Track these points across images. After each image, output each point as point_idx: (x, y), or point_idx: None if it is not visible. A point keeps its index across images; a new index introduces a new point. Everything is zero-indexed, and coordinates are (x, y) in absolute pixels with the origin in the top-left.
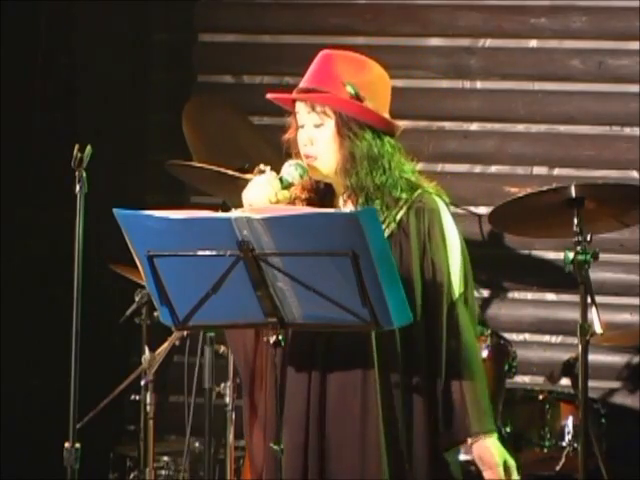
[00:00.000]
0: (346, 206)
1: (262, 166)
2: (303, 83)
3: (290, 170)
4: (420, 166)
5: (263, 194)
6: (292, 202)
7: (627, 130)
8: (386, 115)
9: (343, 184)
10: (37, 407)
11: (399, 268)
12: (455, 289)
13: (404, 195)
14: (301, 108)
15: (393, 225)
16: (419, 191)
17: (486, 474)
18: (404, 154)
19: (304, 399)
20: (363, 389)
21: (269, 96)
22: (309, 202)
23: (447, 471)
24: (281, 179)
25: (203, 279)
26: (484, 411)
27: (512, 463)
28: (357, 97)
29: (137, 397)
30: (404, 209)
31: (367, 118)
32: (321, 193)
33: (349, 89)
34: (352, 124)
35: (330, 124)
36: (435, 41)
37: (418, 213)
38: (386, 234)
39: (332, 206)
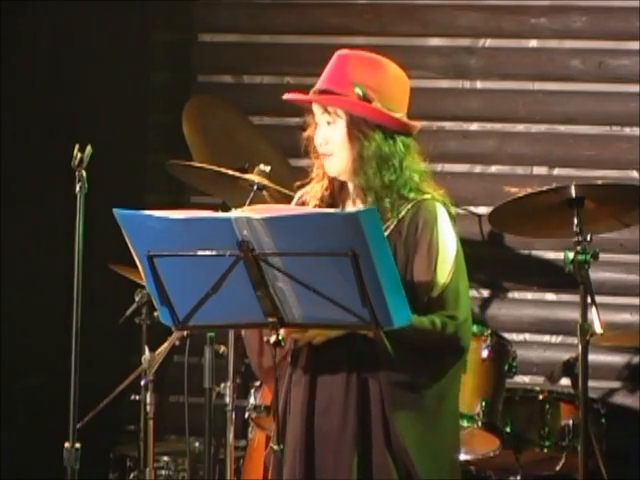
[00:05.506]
0: (356, 205)
1: (262, 166)
2: (319, 84)
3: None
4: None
5: None
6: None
7: (627, 130)
8: (399, 115)
9: (353, 183)
10: (37, 407)
11: None
12: (434, 291)
13: (412, 195)
14: (316, 108)
15: (395, 222)
16: (425, 196)
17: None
18: (417, 154)
19: (298, 401)
20: (347, 391)
21: (286, 97)
22: (322, 200)
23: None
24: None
25: (203, 279)
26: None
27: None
28: (365, 98)
29: (137, 397)
30: (405, 209)
31: (376, 118)
32: (336, 190)
33: (357, 90)
34: (362, 125)
35: (341, 124)
36: (435, 41)
37: (415, 215)
38: (387, 232)
39: (344, 204)
